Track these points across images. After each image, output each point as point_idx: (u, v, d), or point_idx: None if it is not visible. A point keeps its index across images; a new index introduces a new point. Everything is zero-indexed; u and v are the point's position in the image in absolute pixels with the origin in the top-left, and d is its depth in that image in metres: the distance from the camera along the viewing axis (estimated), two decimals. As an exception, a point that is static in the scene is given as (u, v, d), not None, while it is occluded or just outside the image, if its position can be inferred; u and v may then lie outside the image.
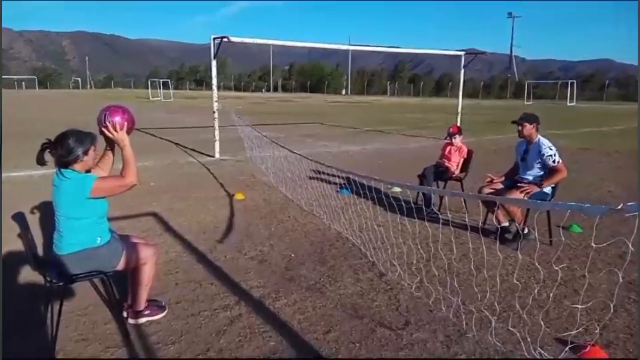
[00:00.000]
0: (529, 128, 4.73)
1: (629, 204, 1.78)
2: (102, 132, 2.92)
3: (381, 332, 3.02)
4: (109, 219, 3.03)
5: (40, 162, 2.73)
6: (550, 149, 4.60)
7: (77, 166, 2.77)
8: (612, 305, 3.10)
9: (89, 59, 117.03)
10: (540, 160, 4.64)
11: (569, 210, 2.17)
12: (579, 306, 3.17)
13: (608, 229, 5.00)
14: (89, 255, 2.85)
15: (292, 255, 4.40)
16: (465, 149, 6.10)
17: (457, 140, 6.10)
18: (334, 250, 4.56)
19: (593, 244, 4.01)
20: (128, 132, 2.96)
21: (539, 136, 4.75)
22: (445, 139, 6.26)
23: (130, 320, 3.09)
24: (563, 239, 4.27)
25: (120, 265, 2.96)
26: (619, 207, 1.79)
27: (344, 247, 4.66)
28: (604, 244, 4.08)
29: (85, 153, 2.78)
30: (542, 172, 4.69)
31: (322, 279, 3.87)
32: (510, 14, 78.37)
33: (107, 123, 2.88)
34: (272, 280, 3.82)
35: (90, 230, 2.87)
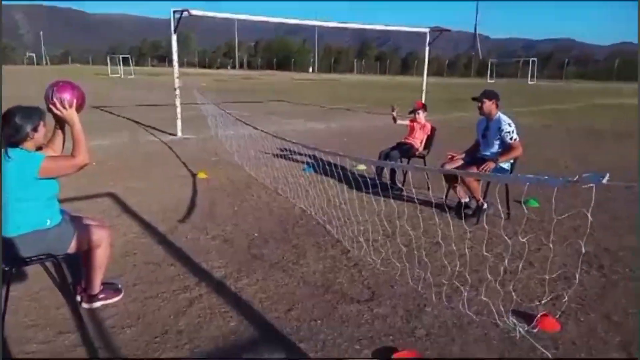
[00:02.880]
0: (488, 105, 4.77)
1: (584, 175, 1.80)
2: (50, 110, 2.76)
3: (343, 308, 3.03)
4: (62, 200, 2.89)
5: None
6: (510, 126, 4.65)
7: (27, 144, 2.63)
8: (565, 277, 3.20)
9: (45, 33, 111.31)
10: (499, 136, 4.70)
11: (527, 185, 2.19)
12: (539, 279, 3.25)
13: (564, 203, 5.15)
14: (39, 237, 2.71)
15: (256, 235, 4.35)
16: (429, 126, 6.13)
17: (421, 116, 6.10)
18: (298, 229, 4.53)
19: (554, 216, 4.11)
20: (78, 110, 2.81)
21: (499, 113, 4.79)
22: (410, 113, 6.25)
23: (84, 305, 2.98)
24: (521, 212, 4.37)
25: (72, 248, 2.84)
26: (575, 178, 1.81)
27: (308, 224, 4.64)
28: (562, 217, 4.19)
29: (35, 130, 2.64)
30: (501, 149, 4.76)
31: (285, 257, 3.84)
32: (475, -8, 78.92)
33: (55, 100, 2.72)
34: (235, 260, 3.77)
35: (40, 212, 2.73)
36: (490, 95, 4.78)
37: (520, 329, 2.65)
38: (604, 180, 1.73)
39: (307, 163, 7.25)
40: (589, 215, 2.46)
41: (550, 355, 2.47)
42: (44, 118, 2.70)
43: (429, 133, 6.11)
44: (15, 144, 2.60)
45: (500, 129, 4.67)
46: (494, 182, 4.80)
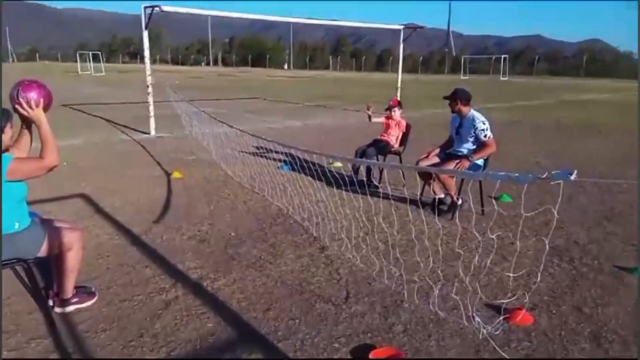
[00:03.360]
0: (457, 104, 4.85)
1: (553, 172, 1.86)
2: (15, 110, 2.67)
3: (321, 306, 3.03)
4: (31, 202, 2.81)
5: None
6: (483, 124, 4.73)
7: None
8: (538, 270, 3.28)
9: (10, 29, 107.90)
10: (473, 134, 4.77)
11: (499, 181, 2.23)
12: (510, 274, 3.33)
13: (535, 198, 5.28)
14: (7, 241, 2.63)
15: (232, 234, 4.32)
16: (404, 123, 6.18)
17: (397, 114, 6.15)
18: (275, 227, 4.51)
19: (522, 212, 4.21)
20: (45, 109, 2.72)
21: (472, 110, 4.87)
22: (385, 110, 6.28)
23: (57, 309, 2.91)
24: (495, 208, 4.45)
25: (43, 252, 2.77)
26: (544, 176, 1.86)
27: (285, 223, 4.63)
28: (532, 212, 4.29)
29: (1, 131, 2.56)
30: (475, 146, 4.84)
31: (262, 257, 3.82)
32: (448, -11, 79.75)
33: (21, 99, 2.63)
34: (211, 261, 3.73)
35: (8, 215, 2.64)
36: (459, 94, 4.83)
37: (484, 330, 2.69)
38: (572, 177, 1.78)
39: (284, 161, 7.23)
40: (555, 212, 2.53)
41: (507, 356, 2.52)
42: (11, 119, 2.62)
43: (404, 130, 6.16)
44: None
45: (474, 127, 4.75)
46: (468, 178, 4.88)
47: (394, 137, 6.14)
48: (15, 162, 2.55)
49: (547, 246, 3.76)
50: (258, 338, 2.70)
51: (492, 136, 4.75)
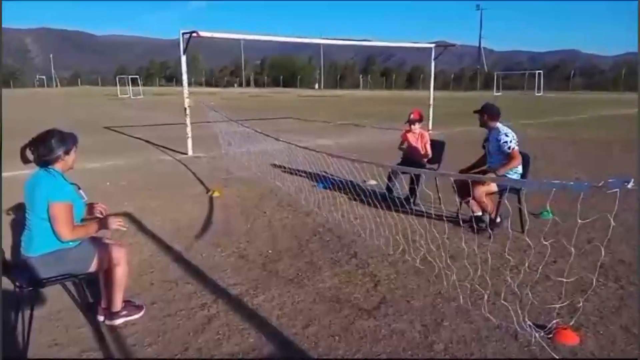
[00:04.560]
0: (485, 117, 4.92)
1: (610, 180, 1.80)
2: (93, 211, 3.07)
3: (360, 324, 3.04)
4: (81, 220, 2.95)
5: (24, 160, 2.75)
6: (506, 136, 4.73)
7: (57, 165, 2.80)
8: (583, 289, 3.19)
9: (54, 56, 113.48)
10: (498, 146, 4.78)
11: (542, 195, 2.21)
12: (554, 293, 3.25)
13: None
14: (60, 257, 2.78)
15: (270, 251, 4.38)
16: (426, 135, 6.04)
17: (417, 127, 5.99)
18: (311, 245, 4.56)
19: (578, 219, 4.11)
20: (101, 227, 2.92)
21: (498, 124, 4.89)
22: (405, 124, 6.15)
23: (107, 322, 3.03)
24: (535, 224, 4.37)
25: (93, 267, 2.90)
26: (600, 184, 1.82)
27: (321, 240, 4.66)
28: (587, 220, 4.17)
29: (67, 153, 2.82)
30: (502, 159, 4.82)
31: (300, 273, 3.87)
32: (478, 6, 79.47)
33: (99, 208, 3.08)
34: (250, 277, 3.80)
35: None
36: (488, 109, 4.93)
37: (537, 335, 2.64)
38: (629, 185, 1.73)
39: (319, 179, 7.30)
40: (612, 219, 2.45)
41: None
42: (77, 144, 2.88)
43: (427, 142, 6.04)
44: (47, 163, 2.75)
45: (498, 139, 4.76)
46: (510, 190, 4.78)
47: (421, 151, 6.00)
48: (60, 206, 2.72)
49: (599, 263, 3.66)
50: (299, 354, 2.73)
51: (516, 148, 4.72)
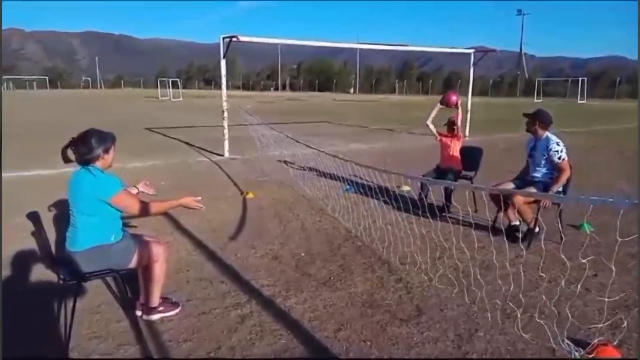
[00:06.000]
0: (535, 124, 4.72)
1: None
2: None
3: (392, 330, 3.02)
4: (122, 218, 3.06)
5: (65, 159, 2.85)
6: (558, 145, 4.56)
7: (98, 163, 2.90)
8: (625, 305, 3.07)
9: (99, 58, 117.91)
10: (547, 155, 4.61)
11: (584, 207, 2.15)
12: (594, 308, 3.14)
13: (619, 228, 4.94)
14: (103, 252, 2.88)
15: (302, 254, 4.41)
16: (460, 135, 5.97)
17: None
18: (343, 249, 4.56)
19: (618, 237, 3.97)
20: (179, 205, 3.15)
21: (547, 132, 4.72)
22: (444, 125, 6.07)
23: (144, 317, 3.12)
24: (574, 236, 4.23)
25: (133, 263, 3.00)
26: None
27: (353, 245, 4.66)
28: (627, 239, 4.03)
29: (106, 152, 2.92)
30: (549, 170, 4.66)
31: (332, 277, 3.88)
32: (519, 11, 77.53)
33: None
34: (283, 279, 3.83)
35: (105, 228, 2.92)
36: (541, 116, 4.71)
37: (576, 353, 2.56)
38: None
39: (349, 183, 7.30)
40: None
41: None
42: (115, 142, 2.96)
43: (460, 142, 5.96)
44: (87, 162, 2.85)
45: (548, 148, 4.59)
46: (556, 202, 4.66)
47: (457, 156, 5.94)
48: (123, 194, 2.88)
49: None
50: (330, 357, 2.74)
51: (566, 158, 4.56)
